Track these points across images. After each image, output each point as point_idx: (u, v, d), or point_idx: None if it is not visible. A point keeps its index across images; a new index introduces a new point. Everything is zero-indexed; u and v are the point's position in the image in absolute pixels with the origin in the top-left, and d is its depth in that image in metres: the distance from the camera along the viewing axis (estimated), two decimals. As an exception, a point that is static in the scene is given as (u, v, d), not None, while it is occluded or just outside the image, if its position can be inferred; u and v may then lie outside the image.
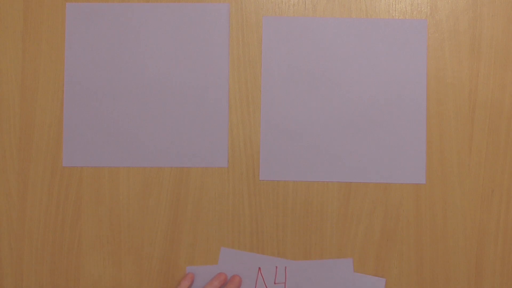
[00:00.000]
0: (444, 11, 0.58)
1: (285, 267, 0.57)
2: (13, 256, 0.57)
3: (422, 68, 0.58)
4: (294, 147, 0.58)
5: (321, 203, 0.57)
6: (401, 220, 0.57)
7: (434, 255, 0.57)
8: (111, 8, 0.58)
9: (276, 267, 0.57)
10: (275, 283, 0.57)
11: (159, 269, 0.57)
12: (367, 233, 0.57)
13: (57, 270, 0.57)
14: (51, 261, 0.57)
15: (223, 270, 0.56)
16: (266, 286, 0.57)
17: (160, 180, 0.57)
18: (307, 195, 0.57)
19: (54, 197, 0.57)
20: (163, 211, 0.57)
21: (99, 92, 0.57)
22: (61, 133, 0.57)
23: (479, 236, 0.57)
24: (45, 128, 0.57)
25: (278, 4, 0.58)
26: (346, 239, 0.57)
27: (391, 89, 0.58)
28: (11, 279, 0.56)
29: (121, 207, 0.57)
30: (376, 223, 0.57)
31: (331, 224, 0.57)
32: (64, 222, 0.57)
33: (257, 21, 0.58)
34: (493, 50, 0.58)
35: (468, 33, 0.58)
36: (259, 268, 0.57)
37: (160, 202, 0.57)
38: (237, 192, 0.57)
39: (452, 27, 0.58)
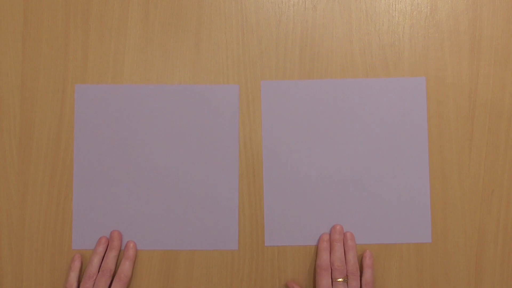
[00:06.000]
0: (444, 11, 0.59)
1: None
2: (13, 256, 0.57)
3: (422, 125, 0.57)
4: (296, 208, 0.57)
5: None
6: (401, 220, 0.57)
7: (434, 255, 0.57)
8: (120, 90, 0.57)
9: None
10: None
11: (159, 269, 0.57)
12: (367, 233, 0.57)
13: (57, 270, 0.57)
14: (51, 261, 0.57)
15: None
16: None
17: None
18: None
19: (54, 197, 0.57)
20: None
21: (109, 174, 0.57)
22: (61, 133, 0.57)
23: (479, 236, 0.57)
24: (45, 129, 0.57)
25: (278, 4, 0.58)
26: (346, 239, 0.57)
27: (392, 147, 0.57)
28: (11, 279, 0.56)
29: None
30: (376, 223, 0.57)
31: (331, 224, 0.57)
32: (64, 222, 0.57)
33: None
34: (493, 50, 0.58)
35: (468, 33, 0.58)
36: None
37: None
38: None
39: (452, 27, 0.58)
